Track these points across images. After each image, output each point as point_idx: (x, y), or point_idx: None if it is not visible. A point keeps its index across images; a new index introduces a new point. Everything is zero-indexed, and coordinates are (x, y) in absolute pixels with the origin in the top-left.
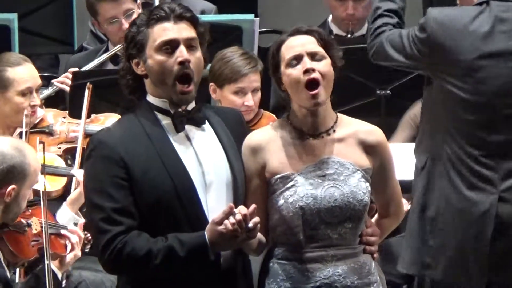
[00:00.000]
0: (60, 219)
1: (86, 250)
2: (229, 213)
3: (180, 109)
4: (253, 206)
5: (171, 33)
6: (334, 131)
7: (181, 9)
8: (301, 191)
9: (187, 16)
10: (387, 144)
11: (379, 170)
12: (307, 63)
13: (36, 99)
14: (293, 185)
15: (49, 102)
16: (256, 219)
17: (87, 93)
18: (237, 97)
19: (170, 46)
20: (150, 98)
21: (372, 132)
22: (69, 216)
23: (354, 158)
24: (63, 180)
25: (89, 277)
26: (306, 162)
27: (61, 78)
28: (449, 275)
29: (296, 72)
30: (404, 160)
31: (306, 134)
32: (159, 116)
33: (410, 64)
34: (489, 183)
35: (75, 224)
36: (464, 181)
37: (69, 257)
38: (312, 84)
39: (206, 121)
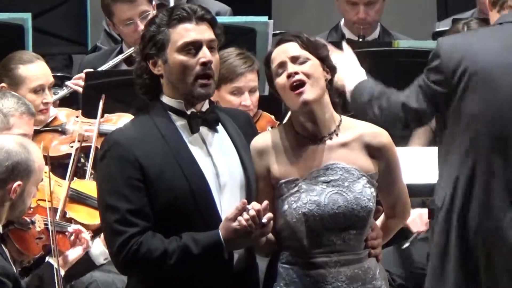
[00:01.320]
0: (92, 249)
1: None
2: (243, 209)
3: (194, 110)
4: (265, 202)
5: (193, 34)
6: (337, 134)
7: (202, 11)
8: (304, 197)
9: (208, 18)
10: (392, 145)
11: (385, 172)
12: (289, 67)
13: (49, 97)
14: (297, 191)
15: (62, 103)
16: (270, 214)
17: (101, 105)
18: (234, 97)
19: (193, 47)
20: (165, 99)
21: (377, 134)
22: (101, 249)
23: (359, 163)
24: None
25: (100, 278)
26: (310, 167)
27: (75, 80)
28: None
29: (281, 79)
30: (420, 164)
31: (308, 139)
32: (174, 117)
33: (433, 106)
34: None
35: (106, 259)
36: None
37: (74, 255)
38: (297, 86)
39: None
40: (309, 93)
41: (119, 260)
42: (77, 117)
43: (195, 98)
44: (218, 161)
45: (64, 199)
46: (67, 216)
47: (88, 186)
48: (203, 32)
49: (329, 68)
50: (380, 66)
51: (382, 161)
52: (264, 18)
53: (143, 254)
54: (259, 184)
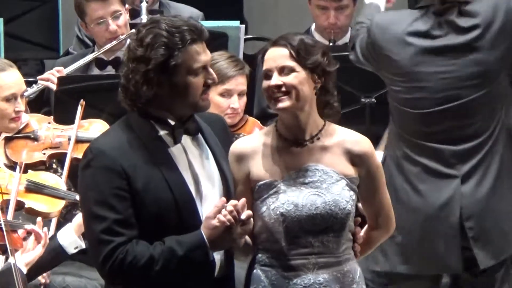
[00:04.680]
0: (62, 240)
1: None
2: (222, 207)
3: (177, 121)
4: (243, 199)
5: (203, 57)
6: (318, 138)
7: (203, 28)
8: (282, 198)
9: (207, 37)
10: (374, 154)
11: (366, 180)
12: (273, 78)
13: (21, 105)
14: (275, 192)
15: (33, 105)
16: (249, 212)
17: (79, 110)
18: (223, 99)
19: (202, 69)
20: (150, 109)
21: (358, 142)
22: (71, 239)
23: (339, 167)
24: (62, 203)
25: (73, 283)
26: (290, 169)
27: (45, 75)
28: (424, 267)
29: (265, 84)
30: None
31: (290, 142)
32: (156, 126)
33: (368, 66)
34: (448, 168)
35: (76, 248)
36: (420, 173)
37: (34, 255)
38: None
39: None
40: (286, 102)
41: (106, 270)
42: (49, 123)
43: (197, 111)
44: (198, 170)
45: (16, 190)
46: (26, 206)
47: (44, 177)
48: (207, 53)
49: (323, 73)
50: (350, 71)
51: (362, 168)
52: (236, 23)
53: (130, 262)
54: (238, 188)
